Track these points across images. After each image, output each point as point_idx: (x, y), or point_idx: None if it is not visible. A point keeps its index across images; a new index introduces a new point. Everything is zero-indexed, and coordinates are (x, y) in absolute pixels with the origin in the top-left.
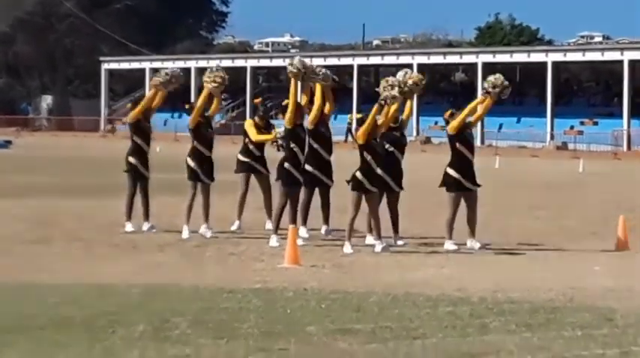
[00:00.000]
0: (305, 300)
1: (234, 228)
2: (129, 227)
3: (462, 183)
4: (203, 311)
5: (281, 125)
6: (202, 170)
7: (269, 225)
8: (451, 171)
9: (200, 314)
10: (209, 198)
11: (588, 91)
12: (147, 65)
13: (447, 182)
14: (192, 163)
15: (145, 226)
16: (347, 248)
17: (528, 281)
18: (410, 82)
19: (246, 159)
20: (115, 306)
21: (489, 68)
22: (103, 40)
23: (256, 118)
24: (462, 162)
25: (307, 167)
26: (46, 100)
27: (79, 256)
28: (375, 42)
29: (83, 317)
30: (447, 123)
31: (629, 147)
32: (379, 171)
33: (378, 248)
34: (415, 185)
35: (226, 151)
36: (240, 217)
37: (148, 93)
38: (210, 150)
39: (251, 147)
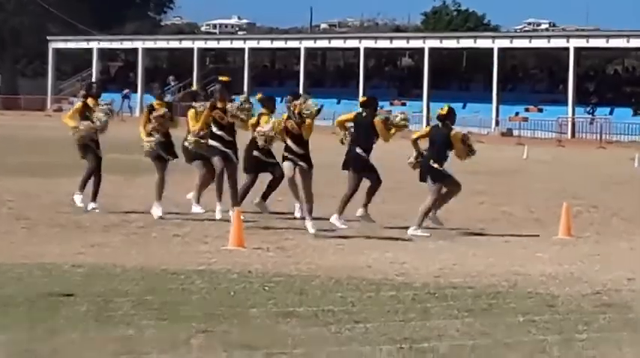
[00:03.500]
0: (248, 283)
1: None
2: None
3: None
4: (146, 292)
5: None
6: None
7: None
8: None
9: (143, 295)
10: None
11: (534, 78)
12: (94, 45)
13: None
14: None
15: (91, 205)
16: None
17: (471, 266)
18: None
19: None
20: (58, 286)
21: (436, 53)
22: (52, 20)
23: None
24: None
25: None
26: None
27: (23, 235)
28: (323, 25)
29: (26, 296)
30: (439, 118)
31: (572, 135)
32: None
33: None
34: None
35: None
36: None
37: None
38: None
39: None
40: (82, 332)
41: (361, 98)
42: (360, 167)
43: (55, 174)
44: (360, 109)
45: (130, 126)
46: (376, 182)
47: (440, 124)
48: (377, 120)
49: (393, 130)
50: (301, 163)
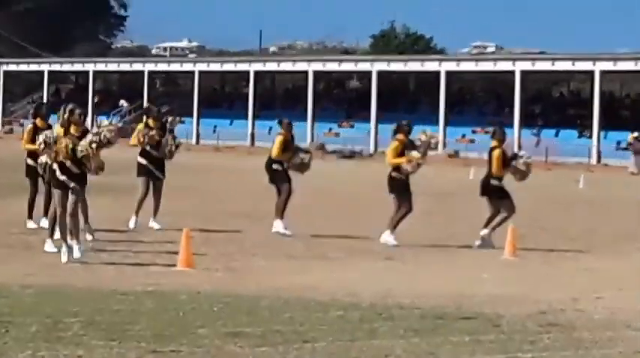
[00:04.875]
0: (197, 303)
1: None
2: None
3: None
4: (96, 313)
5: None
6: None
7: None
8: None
9: (93, 315)
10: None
11: (481, 100)
12: (45, 67)
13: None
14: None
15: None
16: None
17: (418, 287)
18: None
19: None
20: (7, 307)
21: (384, 76)
22: (2, 42)
23: (150, 121)
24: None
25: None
26: None
27: None
28: (272, 49)
29: None
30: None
31: None
32: None
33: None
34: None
35: (121, 153)
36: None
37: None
38: None
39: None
40: (33, 352)
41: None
42: None
43: (3, 194)
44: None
45: None
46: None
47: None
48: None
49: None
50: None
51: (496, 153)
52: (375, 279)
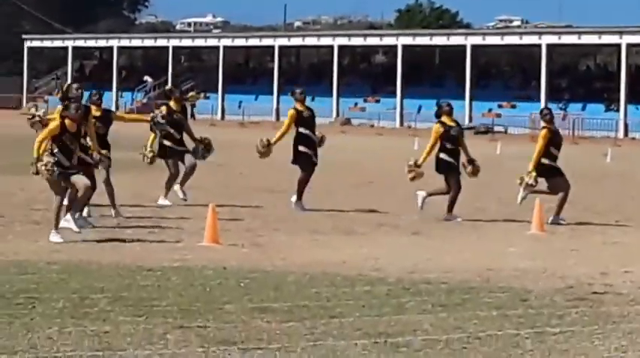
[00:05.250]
0: (224, 278)
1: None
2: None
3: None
4: (122, 289)
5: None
6: None
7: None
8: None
9: (119, 291)
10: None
11: (506, 75)
12: (69, 44)
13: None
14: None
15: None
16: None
17: (445, 262)
18: None
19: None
20: (34, 283)
21: (409, 51)
22: (26, 18)
23: (172, 103)
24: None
25: None
26: None
27: None
28: (297, 23)
29: (2, 293)
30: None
31: None
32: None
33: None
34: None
35: (145, 129)
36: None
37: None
38: None
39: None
40: (59, 328)
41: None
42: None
43: (28, 171)
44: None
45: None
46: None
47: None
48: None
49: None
50: None
51: (542, 132)
52: (401, 254)
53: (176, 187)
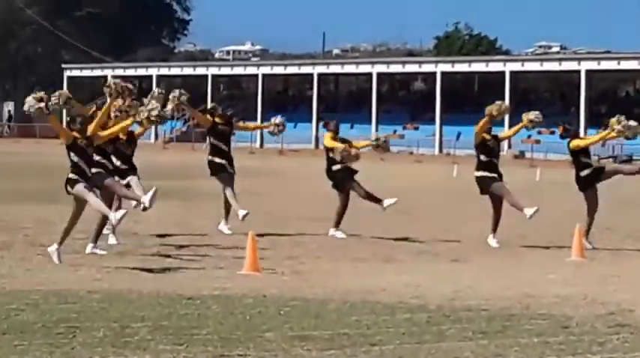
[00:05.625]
0: (264, 307)
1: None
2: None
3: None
4: (162, 317)
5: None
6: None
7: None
8: (585, 173)
9: (159, 320)
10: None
11: (545, 101)
12: (109, 72)
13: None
14: None
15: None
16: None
17: (485, 289)
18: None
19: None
20: (74, 312)
21: (448, 77)
22: (65, 47)
23: (217, 119)
24: (586, 166)
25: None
26: (8, 107)
27: (39, 262)
28: (335, 51)
29: (43, 322)
30: (562, 137)
31: None
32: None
33: None
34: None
35: (186, 158)
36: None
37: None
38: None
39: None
40: (100, 357)
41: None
42: None
43: (69, 200)
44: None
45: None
46: None
47: None
48: None
49: None
50: None
51: (571, 144)
52: (441, 281)
53: (221, 225)
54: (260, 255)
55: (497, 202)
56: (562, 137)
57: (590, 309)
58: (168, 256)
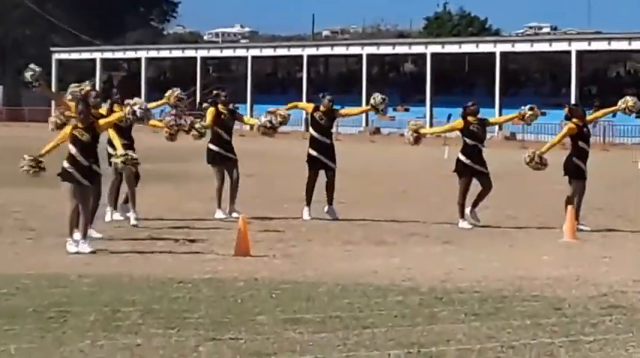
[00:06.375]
0: (255, 290)
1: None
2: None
3: (583, 171)
4: (153, 301)
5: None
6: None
7: (219, 214)
8: (575, 160)
9: (151, 304)
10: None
11: (536, 82)
12: (97, 55)
13: (569, 169)
14: None
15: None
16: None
17: (477, 271)
18: None
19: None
20: (65, 296)
21: (438, 59)
22: (54, 31)
23: (220, 107)
24: (581, 152)
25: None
26: None
27: (29, 246)
28: (325, 33)
29: (34, 307)
30: (567, 118)
31: None
32: None
33: None
34: (362, 175)
35: (178, 141)
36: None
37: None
38: None
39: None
40: (91, 341)
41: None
42: None
43: (51, 184)
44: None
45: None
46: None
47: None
48: None
49: None
50: None
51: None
52: (433, 263)
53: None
54: (251, 238)
55: (485, 183)
56: (567, 118)
57: (582, 291)
58: (160, 240)
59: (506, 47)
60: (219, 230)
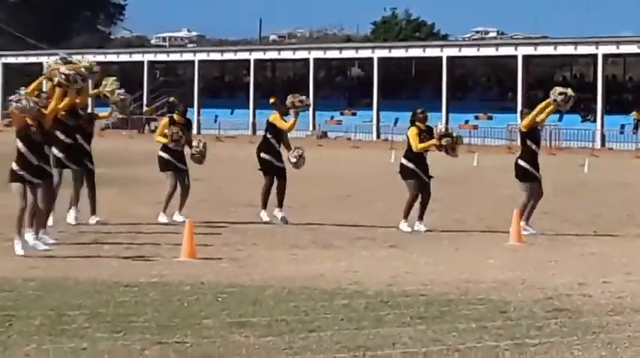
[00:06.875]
0: (202, 294)
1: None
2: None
3: (533, 173)
4: (100, 305)
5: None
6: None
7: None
8: (522, 163)
9: (97, 307)
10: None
11: (483, 86)
12: (44, 59)
13: (520, 173)
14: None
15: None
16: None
17: (423, 274)
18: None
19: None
20: (10, 300)
21: (385, 63)
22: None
23: (175, 116)
24: (531, 155)
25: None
26: None
27: None
28: (272, 37)
29: None
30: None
31: None
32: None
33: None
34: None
35: (123, 145)
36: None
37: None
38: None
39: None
40: (37, 345)
41: None
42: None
43: (6, 188)
44: None
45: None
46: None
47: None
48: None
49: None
50: None
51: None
52: (379, 267)
53: (175, 216)
54: (197, 242)
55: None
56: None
57: (528, 294)
58: (106, 243)
59: (453, 52)
60: (165, 234)
